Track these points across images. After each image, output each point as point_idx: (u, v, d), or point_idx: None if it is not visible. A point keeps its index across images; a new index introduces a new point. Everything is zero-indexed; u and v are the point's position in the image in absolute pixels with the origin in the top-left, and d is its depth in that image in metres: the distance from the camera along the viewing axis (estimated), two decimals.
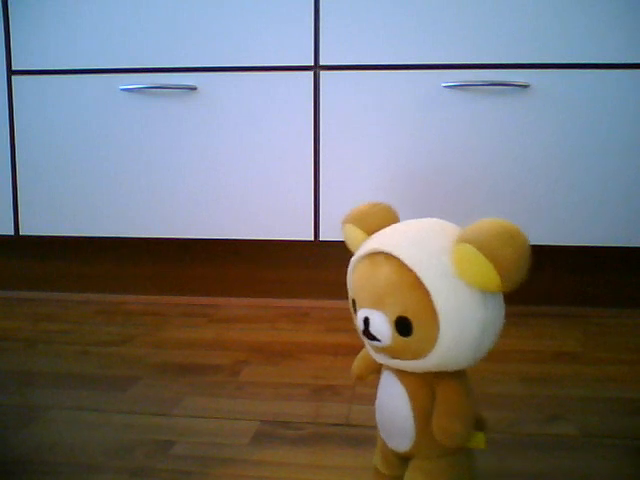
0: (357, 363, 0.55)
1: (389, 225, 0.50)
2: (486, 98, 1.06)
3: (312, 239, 1.11)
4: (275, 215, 1.12)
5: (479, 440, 0.48)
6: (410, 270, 0.44)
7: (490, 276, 0.44)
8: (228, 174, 1.12)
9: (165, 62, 1.11)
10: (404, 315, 0.44)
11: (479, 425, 0.50)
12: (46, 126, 1.15)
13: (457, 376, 0.47)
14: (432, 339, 0.44)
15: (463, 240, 0.44)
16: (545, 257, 1.17)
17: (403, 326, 0.45)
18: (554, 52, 1.04)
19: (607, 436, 0.64)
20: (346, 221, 0.52)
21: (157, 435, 0.64)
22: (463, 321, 0.44)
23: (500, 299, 0.48)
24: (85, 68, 1.13)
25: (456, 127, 1.07)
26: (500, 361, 0.87)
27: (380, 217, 0.51)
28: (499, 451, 0.61)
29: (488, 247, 0.44)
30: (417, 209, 1.09)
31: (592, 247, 1.08)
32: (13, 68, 1.15)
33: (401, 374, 0.49)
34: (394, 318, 0.45)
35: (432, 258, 0.45)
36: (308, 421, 0.68)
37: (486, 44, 1.05)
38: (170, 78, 1.11)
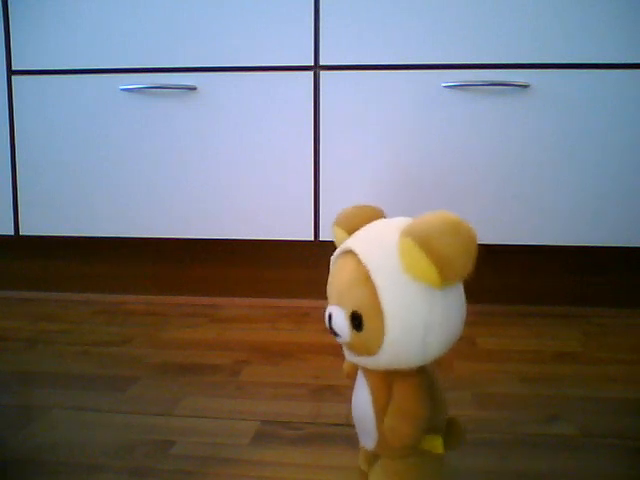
0: (346, 362, 0.55)
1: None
2: (486, 98, 1.06)
3: (312, 239, 1.11)
4: (275, 215, 1.12)
5: (436, 444, 0.47)
6: (365, 266, 0.45)
7: (428, 270, 0.43)
8: (228, 174, 1.12)
9: (165, 62, 1.11)
10: (356, 310, 0.45)
11: (451, 427, 0.50)
12: (46, 126, 1.15)
13: (413, 375, 0.47)
14: (380, 335, 0.44)
15: (404, 234, 0.44)
16: (545, 257, 1.17)
17: (356, 321, 0.45)
18: (554, 52, 1.04)
19: (607, 436, 0.64)
20: (334, 223, 0.53)
21: (157, 435, 0.64)
22: (407, 317, 0.44)
23: (455, 295, 0.46)
24: (85, 68, 1.13)
25: (456, 127, 1.07)
26: (500, 361, 0.87)
27: (364, 218, 0.51)
28: (499, 451, 0.61)
29: (425, 240, 0.43)
30: (417, 209, 1.09)
31: (592, 247, 1.08)
32: (13, 68, 1.15)
33: (366, 372, 0.50)
34: (349, 313, 0.46)
35: (384, 254, 0.45)
36: (308, 421, 0.68)
37: (486, 44, 1.05)
38: (170, 78, 1.11)
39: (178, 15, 1.10)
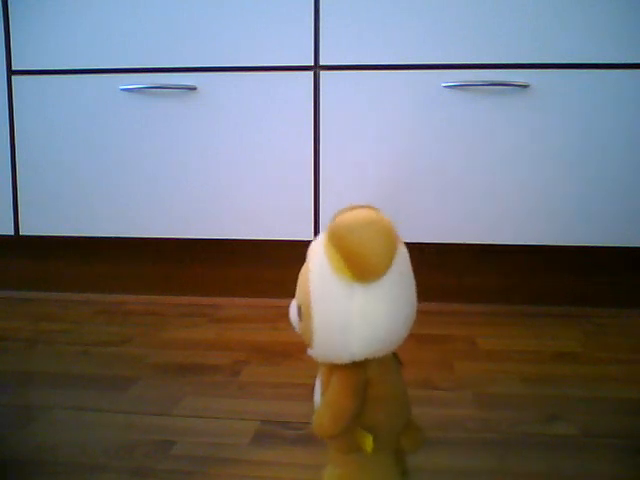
0: None
1: None
2: (486, 98, 1.06)
3: (312, 239, 1.11)
4: (275, 215, 1.12)
5: (366, 442, 0.48)
6: (307, 263, 0.48)
7: (341, 266, 0.44)
8: (228, 174, 1.12)
9: (165, 62, 1.11)
10: (299, 304, 0.48)
11: (408, 429, 0.50)
12: (46, 126, 1.15)
13: (344, 370, 0.47)
14: (311, 329, 0.46)
15: (326, 229, 0.45)
16: (545, 257, 1.17)
17: (300, 314, 0.48)
18: (554, 52, 1.04)
19: (607, 436, 0.64)
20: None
21: (157, 435, 0.64)
22: (327, 312, 0.45)
23: (382, 292, 0.45)
24: (85, 68, 1.13)
25: (456, 127, 1.07)
26: (500, 361, 0.87)
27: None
28: (499, 451, 0.61)
29: (336, 237, 0.44)
30: (416, 209, 1.09)
31: (592, 247, 1.08)
32: (13, 68, 1.15)
33: (319, 364, 0.51)
34: (298, 307, 0.48)
35: (320, 251, 0.47)
36: (308, 421, 0.68)
37: (486, 44, 1.05)
38: (170, 78, 1.11)
39: (178, 15, 1.10)
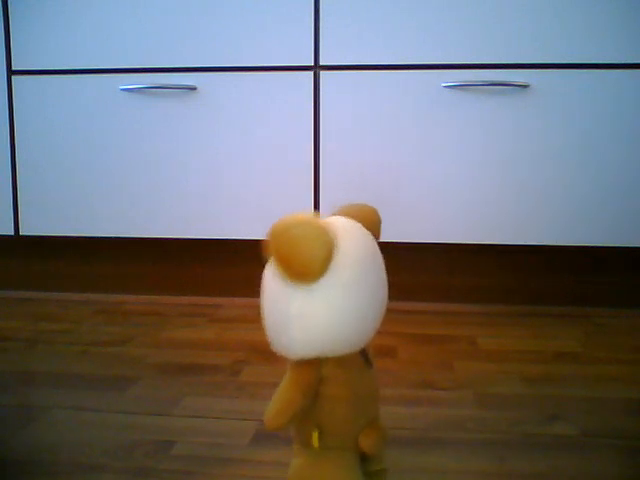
0: None
1: (377, 226, 0.54)
2: (486, 98, 1.06)
3: None
4: (275, 215, 1.12)
5: (313, 437, 0.50)
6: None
7: (276, 266, 0.46)
8: (228, 174, 1.12)
9: (165, 62, 1.11)
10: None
11: (370, 429, 0.51)
12: (46, 126, 1.15)
13: (295, 367, 0.49)
14: (264, 325, 0.49)
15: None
16: (545, 257, 1.17)
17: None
18: (554, 52, 1.04)
19: (607, 436, 0.64)
20: None
21: (157, 435, 0.64)
22: (272, 310, 0.48)
23: (326, 293, 0.47)
24: (85, 68, 1.13)
25: (456, 127, 1.07)
26: (500, 361, 0.87)
27: (355, 217, 0.53)
28: (499, 451, 0.61)
29: (271, 238, 0.46)
30: (416, 208, 1.09)
31: (592, 247, 1.08)
32: (13, 68, 1.15)
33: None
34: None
35: None
36: None
37: (486, 44, 1.05)
38: (170, 78, 1.11)
39: (178, 15, 1.10)
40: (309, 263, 0.45)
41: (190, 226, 1.14)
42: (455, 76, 1.06)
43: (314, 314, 0.47)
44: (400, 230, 1.10)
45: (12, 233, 1.18)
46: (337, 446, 0.50)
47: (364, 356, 0.51)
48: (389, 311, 1.19)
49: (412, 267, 1.19)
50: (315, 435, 0.50)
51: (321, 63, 1.08)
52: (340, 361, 0.49)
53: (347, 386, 0.50)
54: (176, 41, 1.11)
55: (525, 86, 1.05)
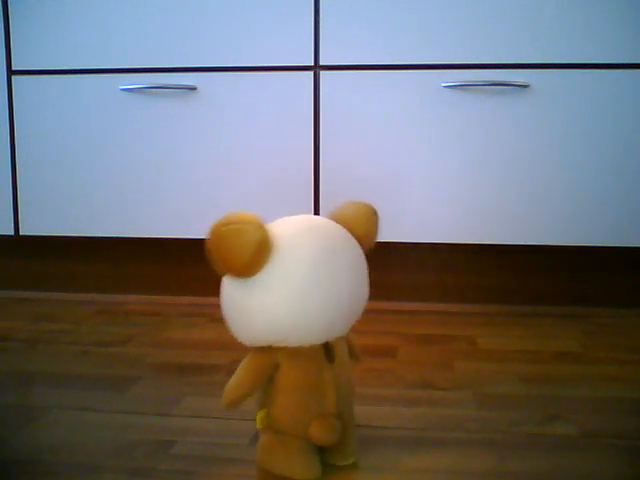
0: None
1: (356, 221, 0.57)
2: (486, 98, 1.06)
3: None
4: (275, 215, 1.11)
5: (257, 418, 0.55)
6: None
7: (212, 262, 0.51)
8: (228, 174, 1.12)
9: (165, 62, 1.11)
10: None
11: (324, 419, 0.53)
12: (46, 126, 1.15)
13: (253, 352, 0.55)
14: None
15: None
16: (545, 257, 1.17)
17: None
18: (554, 52, 1.04)
19: (607, 436, 0.64)
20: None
21: (157, 435, 0.64)
22: (223, 302, 0.54)
23: (258, 288, 0.51)
24: (85, 68, 1.13)
25: (456, 127, 1.07)
26: (500, 361, 0.87)
27: (353, 215, 0.57)
28: (499, 451, 0.61)
29: (208, 234, 0.51)
30: (416, 208, 1.09)
31: (592, 247, 1.08)
32: (13, 68, 1.15)
33: None
34: None
35: None
36: None
37: (486, 44, 1.05)
38: (170, 78, 1.11)
39: (178, 15, 1.10)
40: (233, 259, 0.49)
41: (190, 226, 1.14)
42: (455, 76, 1.06)
43: (252, 306, 0.51)
44: (400, 230, 1.10)
45: (12, 233, 1.18)
46: (288, 432, 0.54)
47: (327, 351, 0.54)
48: (389, 311, 1.19)
49: (412, 267, 1.19)
50: (258, 416, 0.55)
51: (321, 63, 1.08)
52: (295, 352, 0.53)
53: (298, 376, 0.53)
54: (176, 41, 1.10)
55: (525, 86, 1.05)
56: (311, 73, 1.09)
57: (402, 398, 0.74)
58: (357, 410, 0.70)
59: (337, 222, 0.58)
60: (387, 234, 1.09)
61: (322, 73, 1.09)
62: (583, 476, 0.56)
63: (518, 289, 1.18)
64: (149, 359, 0.88)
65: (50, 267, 1.28)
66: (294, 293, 0.50)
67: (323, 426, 0.53)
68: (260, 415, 0.54)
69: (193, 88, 1.11)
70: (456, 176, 1.08)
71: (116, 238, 1.18)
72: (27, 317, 1.09)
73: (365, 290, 0.57)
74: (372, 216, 0.59)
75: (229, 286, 0.53)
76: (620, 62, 1.03)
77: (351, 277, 0.54)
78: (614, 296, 1.16)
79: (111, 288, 1.26)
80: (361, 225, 0.58)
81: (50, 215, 1.17)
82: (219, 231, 0.49)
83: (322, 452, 0.56)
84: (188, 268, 1.25)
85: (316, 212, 1.11)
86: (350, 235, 0.56)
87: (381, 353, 0.90)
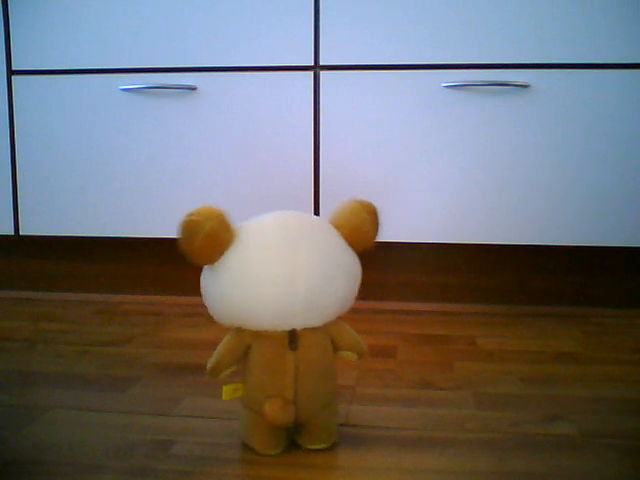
0: None
1: (343, 218, 0.59)
2: (486, 98, 1.06)
3: None
4: None
5: (223, 390, 0.60)
6: None
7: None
8: (228, 174, 1.12)
9: (165, 62, 1.11)
10: None
11: (276, 398, 0.57)
12: (46, 126, 1.15)
13: (230, 331, 0.60)
14: None
15: None
16: (545, 257, 1.17)
17: None
18: (554, 52, 1.04)
19: (607, 436, 0.64)
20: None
21: (157, 435, 0.64)
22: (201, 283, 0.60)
23: (216, 277, 0.57)
24: (85, 68, 1.13)
25: (456, 127, 1.07)
26: (500, 361, 0.87)
27: (339, 211, 0.60)
28: (499, 451, 0.61)
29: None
30: (416, 208, 1.09)
31: (592, 247, 1.08)
32: (13, 68, 1.15)
33: None
34: None
35: None
36: None
37: (486, 44, 1.05)
38: (170, 78, 1.11)
39: (178, 15, 1.10)
40: (186, 248, 0.55)
41: None
42: (455, 76, 1.06)
43: (213, 291, 0.57)
44: (400, 230, 1.10)
45: (12, 233, 1.18)
46: (252, 409, 0.59)
47: (291, 338, 0.57)
48: (389, 311, 1.19)
49: (412, 267, 1.19)
50: (223, 389, 0.60)
51: (321, 63, 1.08)
52: (260, 335, 0.58)
53: (259, 358, 0.58)
54: (176, 41, 1.10)
55: (525, 86, 1.05)
56: (311, 73, 1.09)
57: (402, 398, 0.74)
58: (357, 410, 0.70)
59: (330, 220, 0.59)
60: (387, 234, 1.09)
61: (322, 73, 1.09)
62: (583, 476, 0.56)
63: (518, 289, 1.18)
64: (149, 359, 0.88)
65: (50, 267, 1.28)
66: (246, 279, 0.55)
67: (272, 407, 0.57)
68: (225, 388, 0.60)
69: (193, 88, 1.11)
70: (456, 176, 1.08)
71: (116, 238, 1.18)
72: (27, 317, 1.09)
73: (337, 285, 0.57)
74: (360, 213, 0.59)
75: (203, 273, 0.59)
76: (620, 62, 1.03)
77: (313, 270, 0.55)
78: (614, 296, 1.16)
79: (111, 288, 1.26)
80: (348, 222, 0.59)
81: (50, 215, 1.17)
82: (179, 223, 0.55)
83: (296, 434, 0.61)
84: (188, 268, 1.24)
85: (316, 212, 1.11)
86: (333, 232, 0.58)
87: (381, 353, 0.90)
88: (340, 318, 0.61)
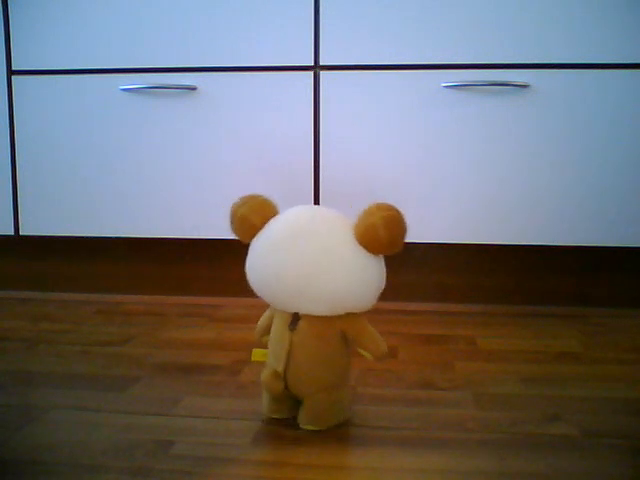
0: None
1: (358, 220, 0.63)
2: (486, 98, 1.06)
3: None
4: None
5: (252, 352, 0.69)
6: None
7: None
8: (228, 174, 1.12)
9: (165, 62, 1.11)
10: None
11: (272, 370, 0.64)
12: (46, 126, 1.15)
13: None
14: None
15: None
16: (545, 257, 1.17)
17: None
18: (554, 52, 1.04)
19: (607, 436, 0.64)
20: None
21: (157, 435, 0.64)
22: None
23: (252, 253, 0.65)
24: (85, 68, 1.13)
25: (456, 127, 1.07)
26: (500, 361, 0.87)
27: (365, 214, 0.63)
28: (499, 451, 0.61)
29: None
30: (416, 208, 1.09)
31: (592, 247, 1.08)
32: (13, 68, 1.15)
33: None
34: None
35: None
36: None
37: (486, 44, 1.05)
38: (170, 78, 1.11)
39: (178, 15, 1.10)
40: (230, 227, 0.66)
41: (190, 226, 1.14)
42: (455, 76, 1.06)
43: (248, 265, 0.65)
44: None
45: (12, 233, 1.18)
46: (268, 369, 0.65)
47: (293, 319, 0.63)
48: (389, 311, 1.19)
49: (412, 267, 1.19)
50: (252, 352, 0.68)
51: (321, 63, 1.08)
52: (275, 312, 0.66)
53: (273, 330, 0.66)
54: (176, 41, 1.11)
55: (525, 86, 1.05)
56: (311, 73, 1.09)
57: (402, 398, 0.74)
58: (358, 410, 0.70)
59: (355, 220, 0.63)
60: None
61: (322, 73, 1.09)
62: (583, 476, 0.56)
63: (518, 289, 1.18)
64: (149, 359, 0.88)
65: (50, 267, 1.28)
66: (254, 260, 0.63)
67: (265, 375, 0.64)
68: (254, 351, 0.68)
69: (193, 88, 1.11)
70: (456, 176, 1.08)
71: (116, 238, 1.18)
72: (27, 317, 1.10)
73: (331, 279, 0.60)
74: (373, 216, 0.60)
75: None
76: (620, 62, 1.03)
77: (303, 260, 0.59)
78: (614, 296, 1.16)
79: (111, 288, 1.26)
80: (362, 224, 0.61)
81: (50, 215, 1.17)
82: (231, 208, 0.66)
83: (297, 411, 0.66)
84: (188, 268, 1.25)
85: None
86: (343, 231, 0.61)
87: None
88: (361, 316, 0.64)
